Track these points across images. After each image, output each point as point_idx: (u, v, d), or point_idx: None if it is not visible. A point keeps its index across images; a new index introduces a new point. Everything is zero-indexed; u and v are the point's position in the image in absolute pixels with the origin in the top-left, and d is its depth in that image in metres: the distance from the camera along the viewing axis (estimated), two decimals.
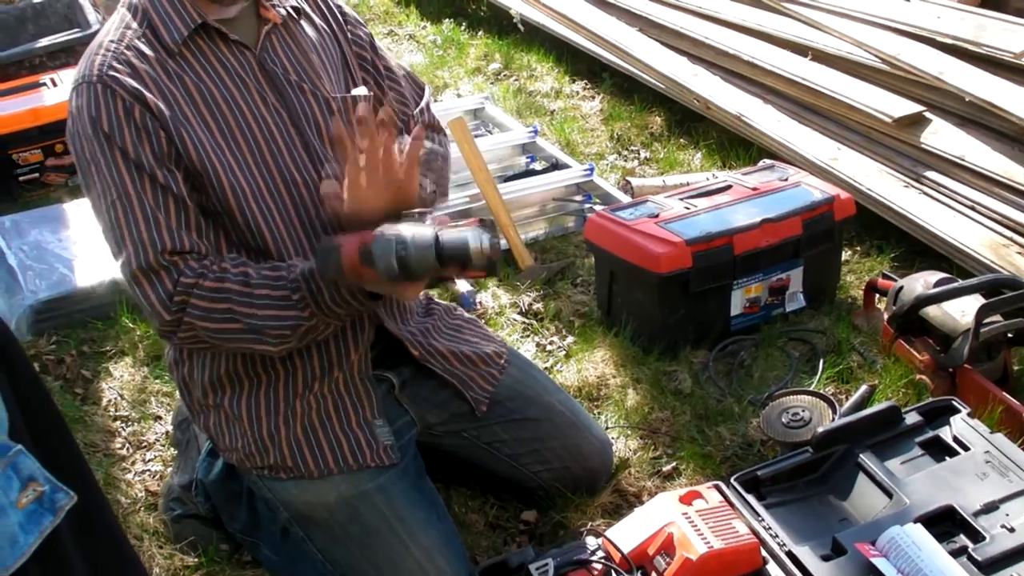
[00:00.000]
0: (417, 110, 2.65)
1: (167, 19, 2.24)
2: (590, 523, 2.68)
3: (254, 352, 2.30)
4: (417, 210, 2.16)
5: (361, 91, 2.47)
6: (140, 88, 2.18)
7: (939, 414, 2.61)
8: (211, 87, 2.25)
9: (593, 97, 5.61)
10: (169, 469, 3.06)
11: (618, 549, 2.30)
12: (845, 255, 3.85)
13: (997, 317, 3.01)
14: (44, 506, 1.47)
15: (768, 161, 3.95)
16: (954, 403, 2.62)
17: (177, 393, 3.33)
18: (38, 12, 5.86)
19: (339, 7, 2.57)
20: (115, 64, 2.19)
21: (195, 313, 2.17)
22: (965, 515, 2.26)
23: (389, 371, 2.55)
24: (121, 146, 2.15)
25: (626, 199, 4.10)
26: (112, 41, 2.24)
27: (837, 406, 2.93)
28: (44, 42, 5.48)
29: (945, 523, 2.28)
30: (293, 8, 2.41)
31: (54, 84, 5.10)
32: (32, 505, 1.46)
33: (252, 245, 2.29)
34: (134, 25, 2.26)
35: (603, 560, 2.31)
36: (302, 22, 2.44)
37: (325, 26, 2.50)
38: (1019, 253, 3.49)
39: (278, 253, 2.30)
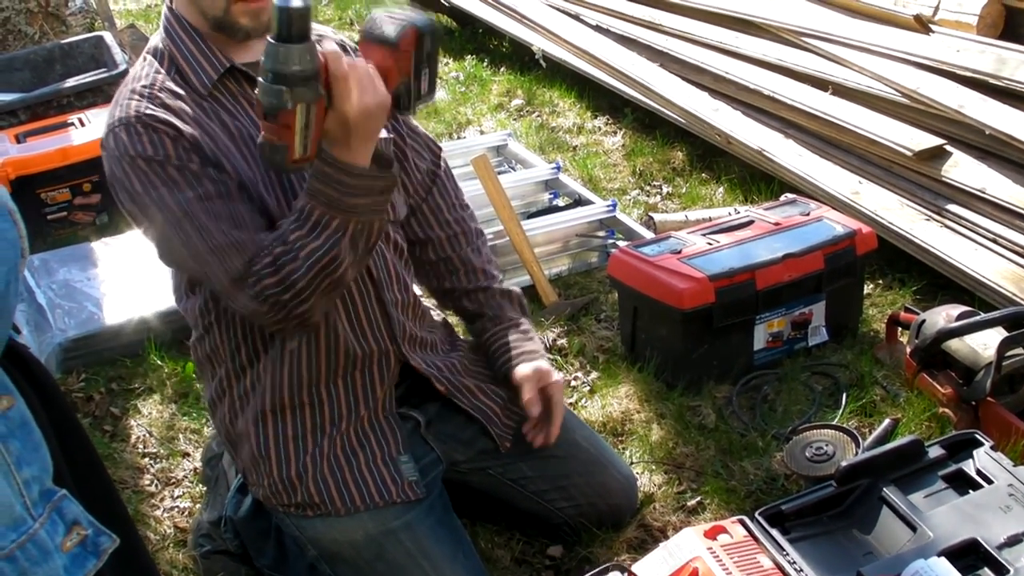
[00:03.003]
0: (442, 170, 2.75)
1: (195, 64, 2.27)
2: (616, 558, 2.69)
3: (338, 292, 2.29)
4: None
5: (381, 133, 2.49)
6: (178, 123, 2.20)
7: (962, 447, 2.61)
8: (244, 123, 2.28)
9: (615, 132, 5.65)
10: (198, 505, 3.09)
11: None
12: (867, 288, 3.86)
13: (1019, 350, 3.02)
14: (88, 549, 1.50)
15: (790, 196, 3.97)
16: (977, 436, 2.62)
17: (206, 430, 3.38)
18: (66, 52, 5.92)
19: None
20: (151, 104, 2.21)
21: (273, 292, 2.15)
22: (989, 548, 2.26)
23: (414, 409, 2.57)
24: (178, 163, 2.16)
25: (649, 234, 4.12)
26: (144, 86, 2.26)
27: (860, 440, 2.94)
28: (72, 82, 5.53)
29: (969, 556, 2.27)
30: None
31: (82, 124, 5.15)
32: (76, 548, 1.49)
33: None
34: (162, 70, 2.29)
35: None
36: None
37: None
38: None
39: None
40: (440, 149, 2.77)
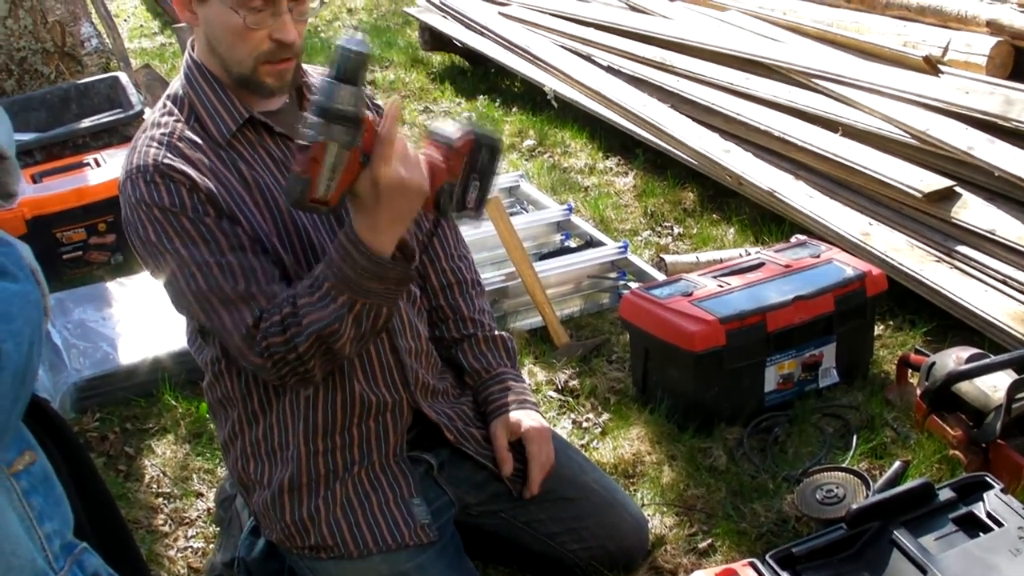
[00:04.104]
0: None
1: (215, 114, 2.30)
2: None
3: (339, 361, 2.31)
4: None
5: None
6: (194, 175, 2.23)
7: (972, 490, 2.61)
8: (261, 174, 2.31)
9: (626, 173, 5.68)
10: (211, 546, 3.10)
11: None
12: (878, 329, 3.87)
13: None
14: None
15: (800, 237, 3.99)
16: (987, 479, 2.63)
17: (219, 470, 3.40)
18: (82, 92, 5.98)
19: (371, 100, 2.62)
20: (169, 154, 2.24)
21: (279, 351, 2.20)
22: None
23: (427, 453, 2.59)
24: (192, 216, 2.20)
25: (660, 276, 4.14)
26: (163, 134, 2.29)
27: (871, 482, 2.94)
28: (88, 122, 5.58)
29: None
30: None
31: (98, 164, 5.19)
32: None
33: None
34: (181, 118, 2.33)
35: None
36: None
37: None
38: None
39: None
40: None
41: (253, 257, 2.24)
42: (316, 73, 2.52)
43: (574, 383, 3.78)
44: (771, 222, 4.73)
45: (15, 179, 1.64)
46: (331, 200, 2.06)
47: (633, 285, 4.00)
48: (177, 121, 2.32)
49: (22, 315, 1.40)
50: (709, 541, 2.95)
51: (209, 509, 3.29)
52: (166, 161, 2.23)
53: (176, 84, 2.40)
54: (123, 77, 6.01)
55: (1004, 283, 3.77)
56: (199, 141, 2.29)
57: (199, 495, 3.38)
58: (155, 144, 2.27)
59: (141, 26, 10.10)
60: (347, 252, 2.13)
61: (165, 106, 2.38)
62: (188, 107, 2.34)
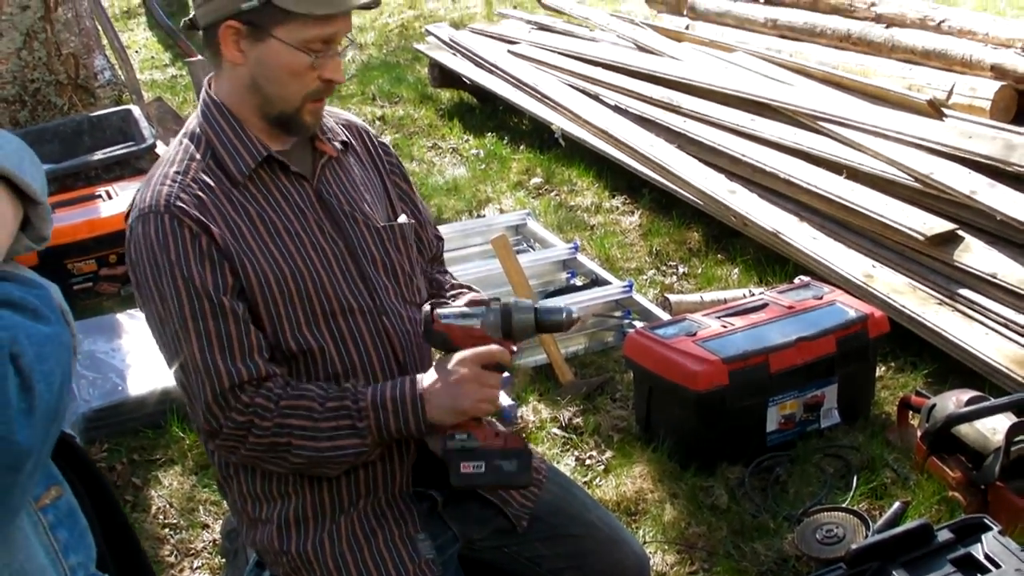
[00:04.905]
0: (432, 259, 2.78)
1: (234, 152, 2.32)
2: None
3: (307, 472, 2.37)
4: None
5: (403, 219, 2.55)
6: (206, 220, 2.25)
7: (971, 532, 2.63)
8: (273, 217, 2.33)
9: (632, 212, 5.72)
10: None
11: None
12: (879, 371, 3.90)
13: None
14: None
15: (804, 279, 4.02)
16: (986, 521, 2.65)
17: (225, 502, 3.42)
18: (94, 125, 6.04)
19: (377, 138, 2.66)
20: (182, 195, 2.26)
21: (254, 447, 2.25)
22: None
23: (433, 488, 2.60)
24: (186, 274, 2.21)
25: (665, 316, 4.17)
26: (178, 172, 2.31)
27: (871, 523, 2.97)
28: (100, 155, 5.64)
29: None
30: (342, 142, 2.51)
31: (109, 196, 5.24)
32: None
33: (305, 371, 2.37)
34: (197, 156, 2.34)
35: None
36: (350, 155, 2.53)
37: (367, 157, 2.58)
38: None
39: (331, 380, 2.37)
40: (442, 241, 2.82)
41: (234, 326, 2.26)
42: (329, 116, 2.55)
43: (578, 420, 3.81)
44: (775, 263, 4.76)
45: (48, 224, 1.68)
46: None
47: (638, 324, 4.03)
48: (191, 160, 2.34)
49: (54, 357, 1.44)
50: None
51: (215, 541, 3.31)
52: (177, 204, 2.24)
53: (192, 122, 2.42)
54: (136, 110, 6.07)
55: (1005, 326, 3.80)
56: (212, 184, 2.30)
57: (205, 526, 3.41)
58: (168, 182, 2.28)
59: (152, 58, 10.17)
60: (404, 405, 2.26)
61: (181, 143, 2.39)
62: (205, 144, 2.35)
